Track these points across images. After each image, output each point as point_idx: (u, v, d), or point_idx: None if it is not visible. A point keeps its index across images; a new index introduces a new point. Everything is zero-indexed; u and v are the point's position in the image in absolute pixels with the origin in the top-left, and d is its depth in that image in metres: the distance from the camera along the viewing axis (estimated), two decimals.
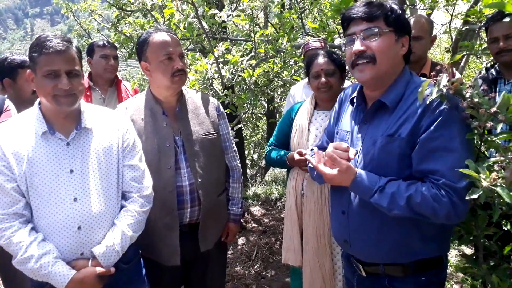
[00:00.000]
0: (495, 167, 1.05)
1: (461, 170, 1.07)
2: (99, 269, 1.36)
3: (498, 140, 1.12)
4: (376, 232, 1.28)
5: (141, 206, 1.49)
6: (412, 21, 2.22)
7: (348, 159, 1.23)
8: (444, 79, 1.12)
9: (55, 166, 1.35)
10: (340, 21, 1.43)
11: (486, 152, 1.24)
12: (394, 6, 1.26)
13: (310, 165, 1.39)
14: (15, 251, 1.30)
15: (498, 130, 1.08)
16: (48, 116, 1.39)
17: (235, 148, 2.04)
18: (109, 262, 1.39)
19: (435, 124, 1.14)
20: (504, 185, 1.01)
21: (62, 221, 1.34)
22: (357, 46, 1.25)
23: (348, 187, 1.27)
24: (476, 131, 1.12)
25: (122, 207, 1.49)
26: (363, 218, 1.30)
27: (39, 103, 1.42)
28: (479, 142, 1.18)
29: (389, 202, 1.18)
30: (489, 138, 1.14)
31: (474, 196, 1.04)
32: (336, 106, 1.56)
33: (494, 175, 1.01)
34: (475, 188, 1.05)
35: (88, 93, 2.81)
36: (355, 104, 1.40)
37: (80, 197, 1.37)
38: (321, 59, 1.99)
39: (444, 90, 1.12)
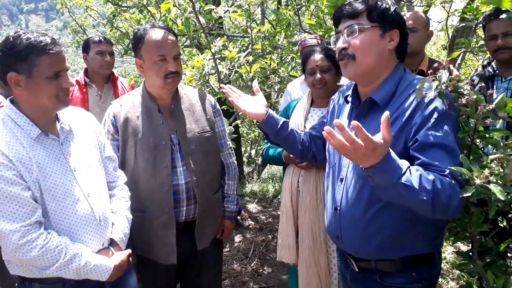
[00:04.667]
0: (492, 164, 1.05)
1: (454, 168, 1.06)
2: (127, 252, 1.47)
3: (495, 137, 1.11)
4: (366, 229, 1.28)
5: (127, 191, 1.62)
6: (407, 14, 2.21)
7: None
8: (444, 76, 1.11)
9: (59, 167, 1.34)
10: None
11: (481, 150, 1.24)
12: (381, 0, 1.25)
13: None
14: (54, 257, 1.24)
15: (498, 127, 1.07)
16: (33, 118, 1.31)
17: (231, 145, 2.03)
18: (124, 246, 1.50)
19: (430, 122, 1.13)
20: (499, 182, 1.00)
21: (85, 217, 1.35)
22: (339, 43, 1.28)
23: (375, 164, 1.03)
24: (472, 129, 1.11)
25: (110, 196, 1.54)
26: (354, 215, 1.30)
27: (12, 105, 1.31)
28: (472, 139, 1.18)
29: (419, 184, 1.05)
30: (487, 135, 1.13)
31: (468, 194, 1.03)
32: (330, 106, 1.56)
33: (486, 172, 1.00)
34: (468, 186, 1.04)
35: (84, 90, 2.78)
36: (349, 102, 1.40)
37: (91, 192, 1.40)
38: (316, 56, 1.98)
39: (443, 87, 1.11)
